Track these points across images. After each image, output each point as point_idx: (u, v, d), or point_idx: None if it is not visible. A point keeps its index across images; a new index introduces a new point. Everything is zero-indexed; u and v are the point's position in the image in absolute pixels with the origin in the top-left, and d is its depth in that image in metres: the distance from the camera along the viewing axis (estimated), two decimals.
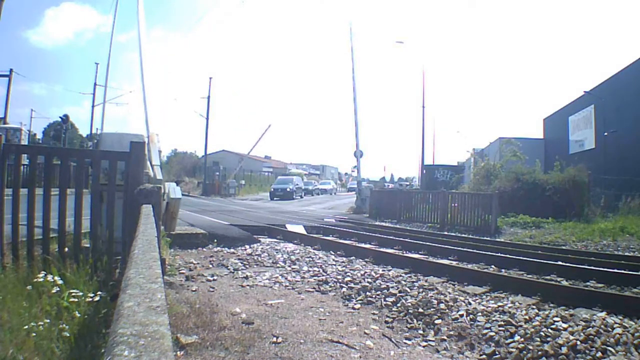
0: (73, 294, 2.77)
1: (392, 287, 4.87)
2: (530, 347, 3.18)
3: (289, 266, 6.29)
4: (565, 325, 3.49)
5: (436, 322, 3.86)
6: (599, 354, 3.05)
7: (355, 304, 4.51)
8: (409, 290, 4.74)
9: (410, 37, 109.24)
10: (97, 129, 32.30)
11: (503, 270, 6.41)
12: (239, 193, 34.83)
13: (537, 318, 3.70)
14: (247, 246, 7.80)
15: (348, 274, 5.62)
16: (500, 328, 3.56)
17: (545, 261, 6.64)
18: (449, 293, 4.61)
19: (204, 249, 7.47)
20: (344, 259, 6.92)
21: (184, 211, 13.92)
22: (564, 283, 5.58)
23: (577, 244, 10.06)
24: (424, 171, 29.32)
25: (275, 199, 30.74)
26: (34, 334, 2.28)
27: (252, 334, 3.41)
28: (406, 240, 8.93)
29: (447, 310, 4.04)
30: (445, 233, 12.07)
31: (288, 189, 31.84)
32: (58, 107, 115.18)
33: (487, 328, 3.60)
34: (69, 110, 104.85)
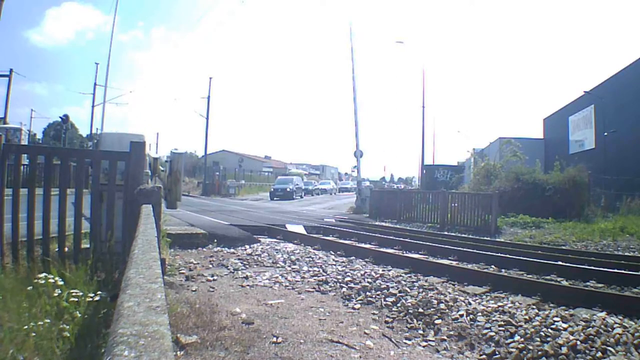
0: (73, 294, 2.77)
1: (392, 287, 4.87)
2: (530, 347, 3.18)
3: (289, 266, 6.29)
4: (565, 325, 3.49)
5: (436, 322, 3.85)
6: (599, 354, 3.05)
7: (355, 304, 4.51)
8: (409, 290, 4.74)
9: (410, 37, 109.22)
10: (97, 129, 32.36)
11: (503, 270, 6.40)
12: (239, 193, 34.83)
13: (537, 318, 3.70)
14: (247, 246, 7.79)
15: (348, 274, 5.61)
16: (500, 328, 3.56)
17: (545, 261, 6.63)
18: (449, 293, 4.61)
19: (204, 249, 7.47)
20: (344, 259, 6.92)
21: (184, 211, 13.92)
22: (564, 283, 5.58)
23: (577, 244, 10.06)
24: (424, 171, 29.33)
25: (275, 199, 30.73)
26: (34, 334, 2.28)
27: (252, 334, 3.41)
28: (406, 240, 8.92)
29: (447, 310, 4.04)
30: (445, 233, 12.06)
31: (288, 189, 31.83)
32: (59, 107, 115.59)
33: (487, 328, 3.60)
34: (70, 110, 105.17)
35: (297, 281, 5.44)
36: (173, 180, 5.41)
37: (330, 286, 5.16)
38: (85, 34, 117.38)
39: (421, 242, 8.53)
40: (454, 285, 5.33)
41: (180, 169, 5.45)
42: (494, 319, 3.76)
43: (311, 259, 6.72)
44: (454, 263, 6.82)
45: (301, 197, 34.03)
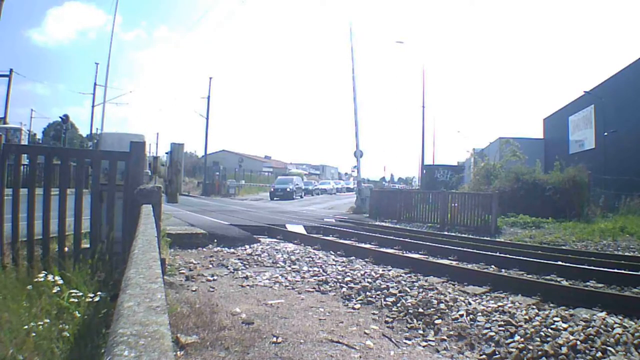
0: (73, 294, 2.77)
1: (392, 287, 4.87)
2: (530, 347, 3.17)
3: (289, 266, 6.29)
4: (565, 325, 3.49)
5: (436, 322, 3.85)
6: (599, 354, 3.05)
7: (355, 304, 4.51)
8: (409, 290, 4.74)
9: (410, 37, 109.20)
10: (97, 129, 32.38)
11: (503, 270, 6.40)
12: (239, 193, 34.83)
13: (537, 318, 3.70)
14: (247, 246, 7.79)
15: (348, 274, 5.61)
16: (500, 328, 3.56)
17: (545, 261, 6.63)
18: (449, 293, 4.61)
19: (204, 249, 7.47)
20: (344, 259, 6.92)
21: (184, 211, 13.92)
22: (564, 283, 5.58)
23: (577, 244, 10.06)
24: (424, 171, 29.31)
25: (275, 199, 30.73)
26: (34, 334, 2.28)
27: (252, 334, 3.41)
28: (406, 240, 8.92)
29: (447, 310, 4.04)
30: (445, 233, 12.06)
31: (288, 189, 31.83)
32: (59, 107, 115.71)
33: (487, 328, 3.60)
34: (70, 110, 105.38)
35: (297, 281, 5.44)
36: (174, 170, 5.38)
37: (330, 286, 5.16)
38: (87, 33, 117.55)
39: (421, 242, 8.53)
40: (454, 285, 5.33)
41: (180, 159, 5.43)
42: (494, 319, 3.76)
43: (311, 259, 6.72)
44: (454, 263, 6.82)
45: (301, 197, 34.03)
